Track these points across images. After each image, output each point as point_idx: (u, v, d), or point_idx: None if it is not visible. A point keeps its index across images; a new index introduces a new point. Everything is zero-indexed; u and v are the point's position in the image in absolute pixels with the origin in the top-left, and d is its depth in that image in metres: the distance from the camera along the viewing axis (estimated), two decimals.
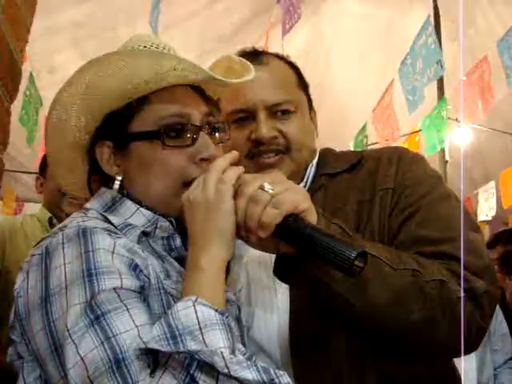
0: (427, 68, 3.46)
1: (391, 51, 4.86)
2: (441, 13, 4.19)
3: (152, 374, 0.87)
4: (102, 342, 0.87)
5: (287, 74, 1.43)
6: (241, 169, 1.05)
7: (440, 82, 4.30)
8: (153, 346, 0.86)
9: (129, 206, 1.11)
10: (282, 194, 0.98)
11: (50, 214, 2.72)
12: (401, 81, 3.90)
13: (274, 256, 1.12)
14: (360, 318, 1.11)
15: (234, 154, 1.08)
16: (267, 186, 0.98)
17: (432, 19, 3.67)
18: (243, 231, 1.01)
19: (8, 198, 6.15)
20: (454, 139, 4.78)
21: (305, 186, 1.37)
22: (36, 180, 2.93)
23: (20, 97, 4.57)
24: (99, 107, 1.10)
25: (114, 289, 0.93)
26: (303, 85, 1.47)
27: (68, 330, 0.89)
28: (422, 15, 3.75)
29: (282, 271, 1.11)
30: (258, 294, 1.28)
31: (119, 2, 4.90)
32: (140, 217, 1.10)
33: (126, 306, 0.92)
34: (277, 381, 0.84)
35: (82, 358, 0.87)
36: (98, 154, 1.14)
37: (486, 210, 5.40)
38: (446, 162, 4.45)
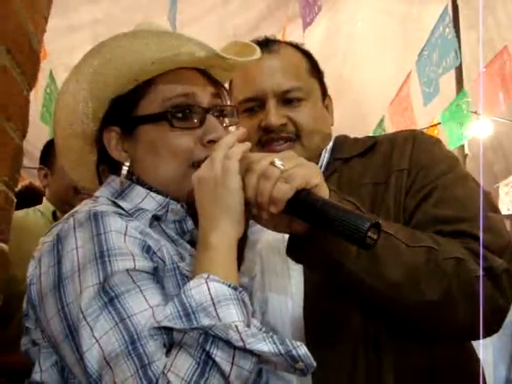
0: (443, 58, 3.43)
1: (409, 44, 4.82)
2: (459, 2, 4.14)
3: (168, 353, 0.86)
4: (117, 324, 0.87)
5: (298, 61, 1.42)
6: (247, 144, 1.03)
7: (459, 74, 4.25)
8: (166, 324, 0.85)
9: (138, 191, 1.10)
10: (293, 169, 0.96)
11: (53, 208, 2.60)
12: (418, 73, 3.87)
13: (286, 241, 1.10)
14: (374, 297, 1.09)
15: (242, 130, 1.06)
16: (278, 162, 0.97)
17: (450, 10, 3.63)
18: (254, 208, 1.00)
19: None
20: (473, 132, 4.72)
21: (321, 164, 1.36)
22: (39, 171, 2.67)
23: (40, 95, 4.64)
24: (106, 92, 1.09)
25: (127, 270, 0.92)
26: (316, 72, 1.45)
27: (82, 313, 0.89)
28: (441, 8, 3.72)
29: (294, 251, 1.09)
30: (271, 280, 1.27)
31: (137, 0, 4.94)
32: (151, 201, 1.09)
33: (139, 287, 0.92)
34: (294, 352, 0.83)
35: (97, 340, 0.87)
36: (106, 139, 1.12)
37: (507, 204, 5.33)
38: (466, 155, 4.40)
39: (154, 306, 0.90)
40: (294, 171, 0.96)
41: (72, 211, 1.04)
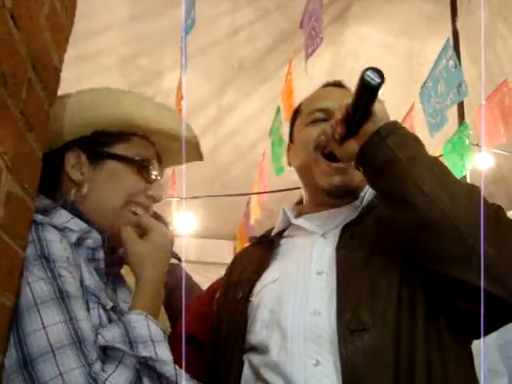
0: (450, 90, 3.49)
1: (412, 79, 4.91)
2: (460, 36, 4.23)
3: (104, 365, 1.00)
4: (66, 321, 1.00)
5: None
6: None
7: (460, 106, 4.32)
8: (117, 345, 1.02)
9: (64, 214, 1.21)
10: None
11: None
12: (422, 104, 3.93)
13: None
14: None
15: None
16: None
17: (451, 42, 3.71)
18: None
19: None
20: (475, 164, 4.76)
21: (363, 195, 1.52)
22: None
23: None
24: (91, 126, 1.28)
25: (71, 277, 1.07)
26: None
27: (34, 300, 0.99)
28: (443, 43, 3.80)
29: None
30: (291, 284, 1.36)
31: (145, 31, 5.05)
32: (75, 224, 1.21)
33: (72, 297, 1.05)
34: None
35: (44, 327, 0.98)
36: (67, 158, 1.27)
37: None
38: None
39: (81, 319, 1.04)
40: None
41: None
